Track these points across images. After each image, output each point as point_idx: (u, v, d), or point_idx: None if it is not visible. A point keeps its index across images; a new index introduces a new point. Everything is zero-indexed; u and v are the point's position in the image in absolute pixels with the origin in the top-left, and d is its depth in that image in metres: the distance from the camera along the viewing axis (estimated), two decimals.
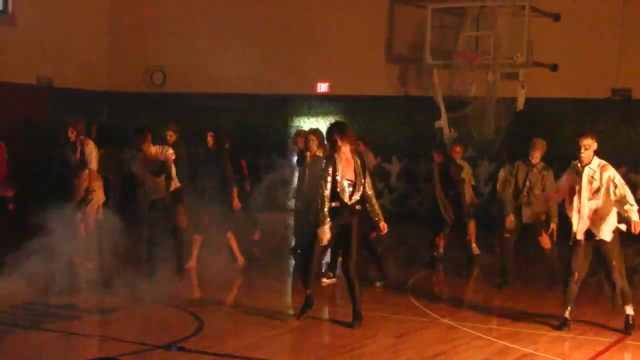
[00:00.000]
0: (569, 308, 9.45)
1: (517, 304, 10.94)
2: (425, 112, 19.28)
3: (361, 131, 19.16)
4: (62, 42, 21.29)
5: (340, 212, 9.21)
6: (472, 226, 14.25)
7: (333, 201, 9.18)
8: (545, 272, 12.18)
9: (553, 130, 17.32)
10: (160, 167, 11.27)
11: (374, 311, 9.97)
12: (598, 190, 9.18)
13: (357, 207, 9.29)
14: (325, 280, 11.82)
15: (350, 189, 9.22)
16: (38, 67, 20.92)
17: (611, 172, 9.20)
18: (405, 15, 20.19)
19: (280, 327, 9.33)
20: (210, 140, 12.77)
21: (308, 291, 9.52)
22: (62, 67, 21.30)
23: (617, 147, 16.32)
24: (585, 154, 9.18)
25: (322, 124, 21.06)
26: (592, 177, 9.19)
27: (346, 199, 9.21)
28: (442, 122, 18.82)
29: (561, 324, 9.44)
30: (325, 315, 10.26)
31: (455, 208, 13.30)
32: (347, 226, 9.26)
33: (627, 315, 9.39)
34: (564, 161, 12.48)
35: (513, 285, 11.88)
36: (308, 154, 12.26)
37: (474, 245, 14.27)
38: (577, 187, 9.24)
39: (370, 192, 9.39)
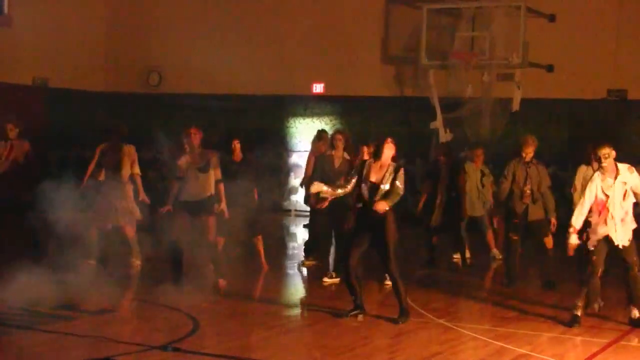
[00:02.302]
0: (596, 304, 9.83)
1: (513, 304, 10.95)
2: (421, 113, 19.28)
3: (357, 132, 19.18)
4: (58, 42, 21.28)
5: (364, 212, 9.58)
6: (490, 234, 14.32)
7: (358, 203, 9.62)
8: (542, 272, 12.22)
9: (549, 130, 17.36)
10: (205, 165, 11.08)
11: (369, 312, 9.99)
12: (625, 194, 9.43)
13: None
14: (326, 280, 11.93)
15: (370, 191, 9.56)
16: (34, 68, 20.90)
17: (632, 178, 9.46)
18: (401, 15, 20.19)
19: (276, 327, 9.34)
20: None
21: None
22: (57, 67, 21.28)
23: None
24: (607, 163, 9.40)
25: (317, 124, 21.07)
26: (624, 182, 9.42)
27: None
28: (438, 123, 18.82)
29: (572, 321, 9.62)
30: (320, 316, 10.27)
31: (452, 211, 13.39)
32: (377, 226, 9.59)
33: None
34: (561, 161, 12.59)
35: (516, 285, 11.94)
36: (333, 153, 12.29)
37: (495, 250, 14.26)
38: (610, 200, 9.40)
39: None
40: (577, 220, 9.50)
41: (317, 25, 20.99)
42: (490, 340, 8.84)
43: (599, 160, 9.41)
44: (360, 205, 9.62)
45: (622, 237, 9.43)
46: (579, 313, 9.66)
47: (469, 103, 18.31)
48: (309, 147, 21.15)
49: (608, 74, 18.47)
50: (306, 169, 14.25)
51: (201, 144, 11.08)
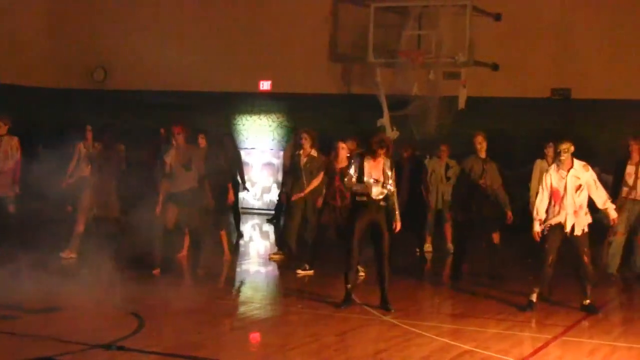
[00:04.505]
0: (537, 290, 10.28)
1: (459, 301, 11.07)
2: (368, 110, 19.33)
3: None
4: (1, 37, 20.95)
5: (368, 207, 9.92)
6: (448, 227, 14.69)
7: (360, 196, 9.95)
8: (488, 268, 12.38)
9: (494, 128, 17.49)
10: (189, 162, 12.04)
11: (316, 309, 10.03)
12: (578, 188, 10.12)
13: (382, 203, 9.99)
14: (300, 272, 12.25)
15: (377, 186, 9.92)
16: None
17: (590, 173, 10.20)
18: (349, 13, 20.22)
19: (222, 325, 9.32)
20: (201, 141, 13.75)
21: (348, 286, 10.12)
22: (0, 63, 20.95)
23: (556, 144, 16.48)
24: (565, 157, 10.09)
25: (264, 121, 21.06)
26: (577, 177, 10.10)
27: (373, 195, 9.90)
28: (385, 121, 18.89)
29: (527, 306, 10.25)
30: (269, 313, 10.27)
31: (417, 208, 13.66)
32: (375, 221, 9.97)
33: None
34: (505, 160, 12.74)
35: (459, 281, 12.14)
36: (301, 152, 12.81)
37: (450, 244, 14.59)
38: (562, 186, 10.10)
39: (393, 189, 10.10)
40: (539, 209, 10.21)
41: (264, 22, 20.94)
42: (435, 337, 8.89)
43: (558, 154, 10.13)
44: (364, 198, 9.94)
45: (574, 227, 10.12)
46: (533, 299, 10.26)
47: (415, 101, 18.41)
48: (255, 145, 21.20)
49: (552, 73, 18.70)
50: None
51: (186, 141, 12.06)
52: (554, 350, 8.68)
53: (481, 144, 12.20)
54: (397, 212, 10.14)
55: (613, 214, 10.35)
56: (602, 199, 10.25)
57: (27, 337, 8.40)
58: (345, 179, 10.03)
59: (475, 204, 12.07)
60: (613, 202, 10.78)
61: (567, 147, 10.10)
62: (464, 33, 18.18)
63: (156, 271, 11.80)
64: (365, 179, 9.89)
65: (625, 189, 12.41)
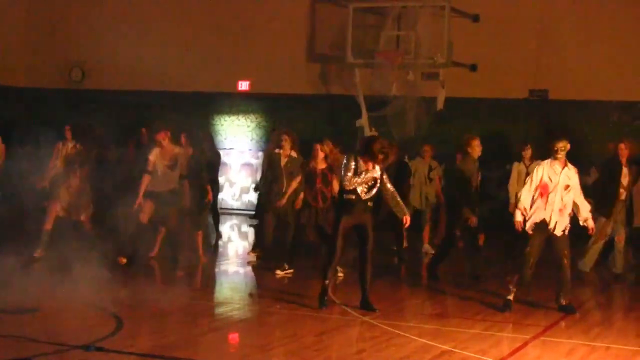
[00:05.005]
0: (514, 290, 10.31)
1: (438, 302, 11.10)
2: (346, 111, 19.36)
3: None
4: None
5: (355, 206, 9.88)
6: (427, 229, 14.93)
7: (348, 194, 9.89)
8: (470, 269, 12.44)
9: (472, 129, 17.55)
10: (175, 163, 12.28)
11: (295, 309, 10.02)
12: (567, 188, 10.13)
13: (369, 203, 9.97)
14: (279, 272, 12.21)
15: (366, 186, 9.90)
16: None
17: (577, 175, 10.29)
18: (327, 13, 20.23)
19: (201, 326, 9.29)
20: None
21: (326, 282, 10.10)
22: None
23: (534, 146, 16.53)
24: (561, 155, 10.14)
25: (243, 121, 21.02)
26: (568, 177, 10.16)
27: (362, 195, 9.87)
28: (363, 121, 18.92)
29: (505, 306, 10.28)
30: (247, 314, 10.25)
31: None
32: (362, 223, 9.95)
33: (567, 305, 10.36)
34: (484, 160, 12.80)
35: (438, 281, 12.21)
36: (281, 152, 12.80)
37: (427, 245, 14.79)
38: (555, 182, 10.12)
39: (391, 188, 10.06)
40: (525, 200, 10.18)
41: (243, 22, 20.91)
42: (414, 337, 8.91)
43: (555, 152, 10.09)
44: (352, 197, 9.89)
45: (557, 226, 10.11)
46: (511, 298, 10.30)
47: (394, 101, 18.44)
48: (234, 145, 21.16)
49: (530, 74, 18.78)
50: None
51: (171, 142, 12.31)
52: (533, 351, 8.71)
53: (478, 147, 12.19)
54: (403, 207, 10.16)
55: (591, 223, 10.33)
56: (586, 207, 10.25)
57: (4, 338, 8.33)
58: (345, 178, 9.87)
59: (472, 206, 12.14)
60: (605, 205, 10.80)
61: (564, 145, 10.12)
62: (442, 34, 18.23)
63: (122, 259, 11.85)
64: (363, 176, 9.85)
65: (620, 191, 12.47)
